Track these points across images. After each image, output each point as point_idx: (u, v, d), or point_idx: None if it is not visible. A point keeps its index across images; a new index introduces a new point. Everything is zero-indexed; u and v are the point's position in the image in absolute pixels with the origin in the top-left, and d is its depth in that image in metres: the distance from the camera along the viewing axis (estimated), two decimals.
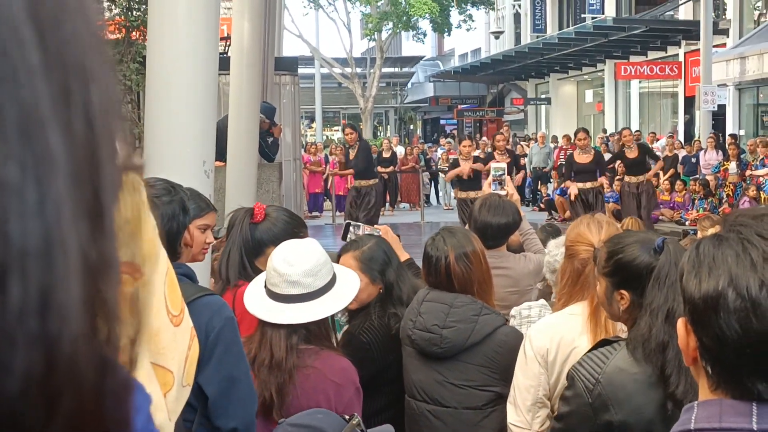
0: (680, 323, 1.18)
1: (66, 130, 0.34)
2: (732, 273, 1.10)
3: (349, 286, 2.63)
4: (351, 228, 3.83)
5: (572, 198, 12.25)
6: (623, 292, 2.23)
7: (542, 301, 3.35)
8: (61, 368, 0.33)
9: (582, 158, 12.17)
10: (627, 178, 12.87)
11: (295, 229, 3.10)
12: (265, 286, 2.54)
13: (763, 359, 1.09)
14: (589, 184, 12.16)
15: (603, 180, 13.06)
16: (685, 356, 1.19)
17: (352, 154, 12.35)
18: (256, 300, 2.55)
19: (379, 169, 15.79)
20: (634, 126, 24.39)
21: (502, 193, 4.35)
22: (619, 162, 13.25)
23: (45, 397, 0.32)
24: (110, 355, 0.36)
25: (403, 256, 3.62)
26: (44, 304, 0.32)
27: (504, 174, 4.76)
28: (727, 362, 1.12)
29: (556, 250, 3.24)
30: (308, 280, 2.49)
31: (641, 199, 12.69)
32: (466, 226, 3.97)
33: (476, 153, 13.28)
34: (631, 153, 12.59)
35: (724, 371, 1.13)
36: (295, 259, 2.51)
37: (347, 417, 1.95)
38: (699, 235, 6.34)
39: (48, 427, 0.33)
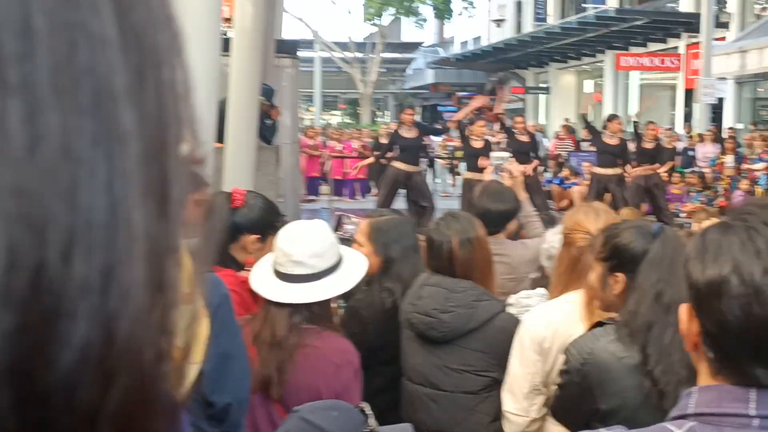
0: (683, 309, 1.20)
1: (138, 110, 0.34)
2: (736, 260, 1.12)
3: (356, 268, 2.64)
4: (344, 219, 3.84)
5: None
6: (618, 274, 2.27)
7: (541, 290, 3.35)
8: (118, 346, 0.32)
9: (611, 141, 12.17)
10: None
11: (271, 216, 3.05)
12: (272, 266, 2.56)
13: (763, 346, 1.11)
14: (611, 171, 12.16)
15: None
16: (686, 342, 1.20)
17: (408, 133, 11.87)
18: (261, 279, 2.56)
19: (377, 154, 15.58)
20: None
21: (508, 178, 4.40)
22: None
23: (100, 373, 0.32)
24: (166, 344, 0.36)
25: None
26: (107, 280, 0.32)
27: (504, 162, 4.85)
28: (727, 348, 1.14)
29: (552, 237, 3.25)
30: (314, 260, 2.51)
31: (655, 192, 12.65)
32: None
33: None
34: (648, 145, 12.59)
35: (724, 357, 1.15)
36: (302, 240, 2.53)
37: (363, 409, 1.91)
38: (693, 227, 6.37)
39: (101, 403, 0.32)
